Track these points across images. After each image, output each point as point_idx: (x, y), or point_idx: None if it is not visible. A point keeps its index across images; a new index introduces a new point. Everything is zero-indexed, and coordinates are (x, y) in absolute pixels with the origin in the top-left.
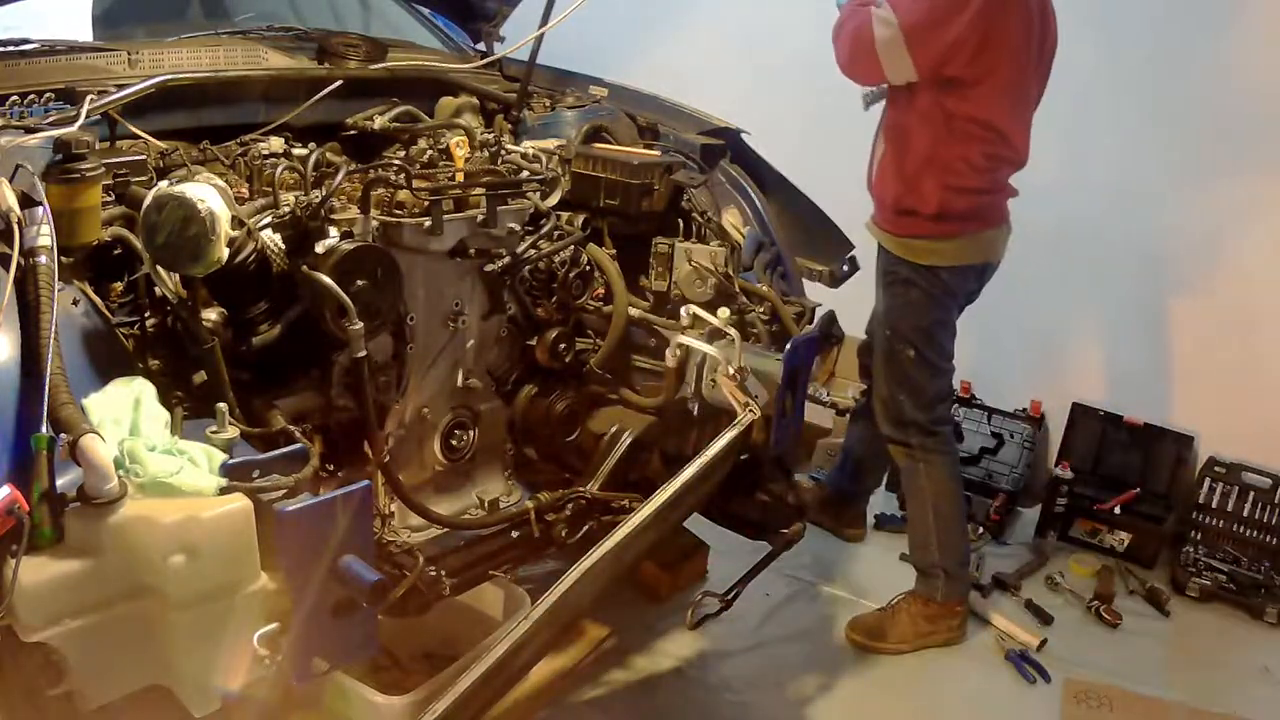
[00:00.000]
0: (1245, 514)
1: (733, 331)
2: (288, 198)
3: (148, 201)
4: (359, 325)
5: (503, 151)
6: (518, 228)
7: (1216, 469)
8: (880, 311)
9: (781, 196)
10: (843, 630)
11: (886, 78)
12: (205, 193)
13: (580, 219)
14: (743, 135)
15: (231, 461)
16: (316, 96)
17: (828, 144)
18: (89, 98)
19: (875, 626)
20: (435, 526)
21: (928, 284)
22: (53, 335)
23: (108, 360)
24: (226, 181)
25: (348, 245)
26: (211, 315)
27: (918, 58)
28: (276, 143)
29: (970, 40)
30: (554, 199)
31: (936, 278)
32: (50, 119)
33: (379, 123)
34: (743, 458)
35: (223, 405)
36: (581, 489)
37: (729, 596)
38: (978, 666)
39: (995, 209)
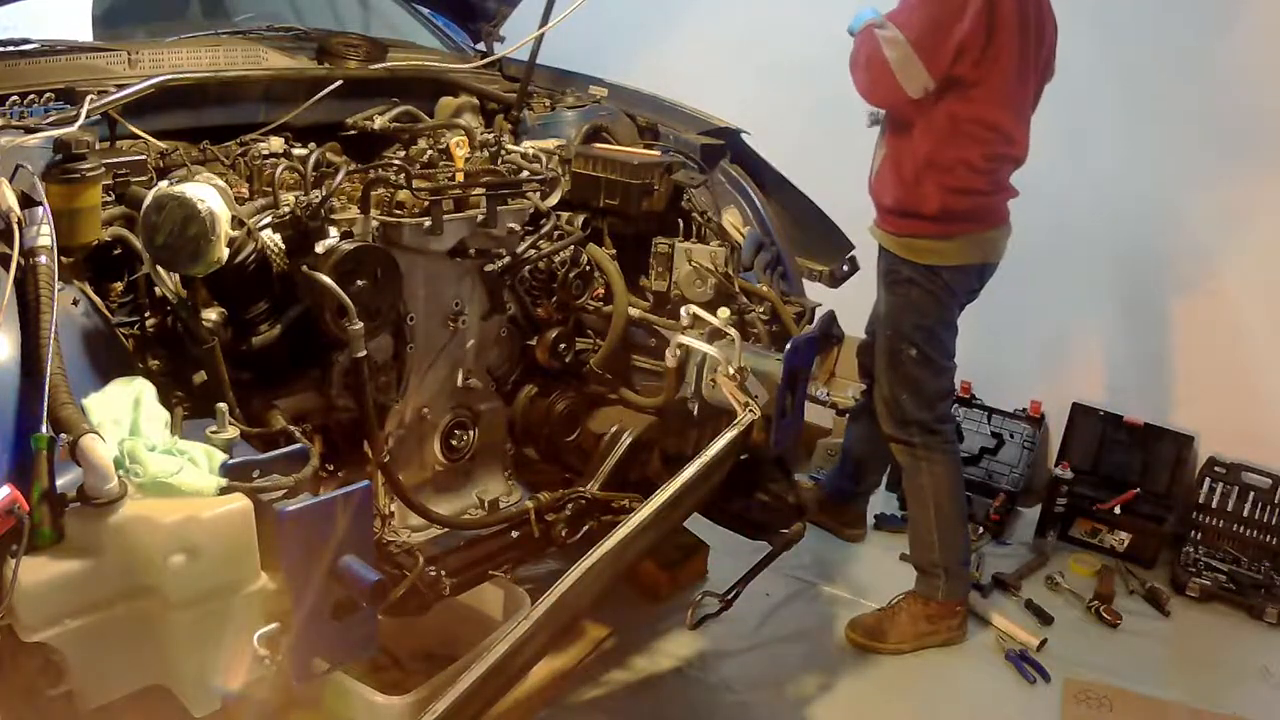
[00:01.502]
0: (1245, 514)
1: (733, 331)
2: (288, 198)
3: (148, 201)
4: (359, 325)
5: (503, 151)
6: (518, 228)
7: (1216, 469)
8: (882, 311)
9: (781, 196)
10: (843, 630)
11: (908, 94)
12: (205, 193)
13: (580, 219)
14: (743, 135)
15: (231, 461)
16: (316, 96)
17: (828, 144)
18: (89, 98)
19: (875, 626)
20: (435, 526)
21: (929, 283)
22: (53, 335)
23: (108, 360)
24: (226, 181)
25: (348, 245)
26: (211, 315)
27: (931, 66)
28: (276, 143)
29: (976, 38)
30: (554, 199)
31: (938, 277)
32: (50, 119)
33: (379, 123)
34: (743, 458)
35: (223, 405)
36: (581, 489)
37: (729, 596)
38: (978, 666)
39: (996, 209)
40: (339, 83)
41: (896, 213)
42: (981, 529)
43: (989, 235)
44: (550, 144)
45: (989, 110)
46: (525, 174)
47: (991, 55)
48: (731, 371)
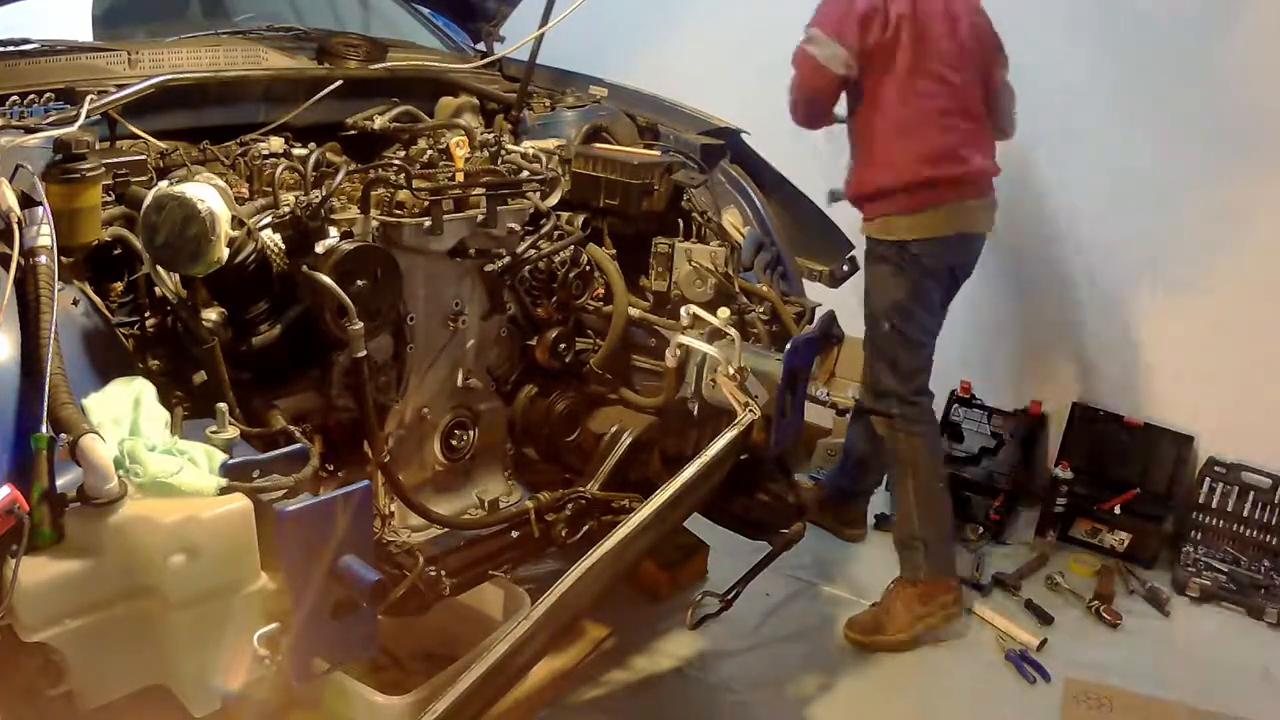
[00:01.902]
0: (1245, 514)
1: (733, 331)
2: (288, 198)
3: (148, 201)
4: (359, 325)
5: (503, 151)
6: (518, 228)
7: (1216, 469)
8: (866, 299)
9: (781, 196)
10: (842, 630)
11: (836, 72)
12: (205, 193)
13: (580, 219)
14: (743, 135)
15: (231, 461)
16: (316, 96)
17: (827, 144)
18: (89, 98)
19: (871, 622)
20: (435, 526)
21: (899, 259)
22: (53, 335)
23: (108, 360)
24: (226, 181)
25: (348, 245)
26: (211, 315)
27: (846, 40)
28: (276, 143)
29: (877, 5)
30: (554, 199)
31: (907, 252)
32: (50, 119)
33: (379, 123)
34: (743, 458)
35: (223, 405)
36: (581, 489)
37: (729, 596)
38: (978, 666)
39: (972, 180)
40: (339, 83)
41: (873, 197)
42: (981, 529)
43: (965, 206)
44: (550, 144)
45: (922, 63)
46: (525, 174)
47: (895, 16)
48: (731, 371)
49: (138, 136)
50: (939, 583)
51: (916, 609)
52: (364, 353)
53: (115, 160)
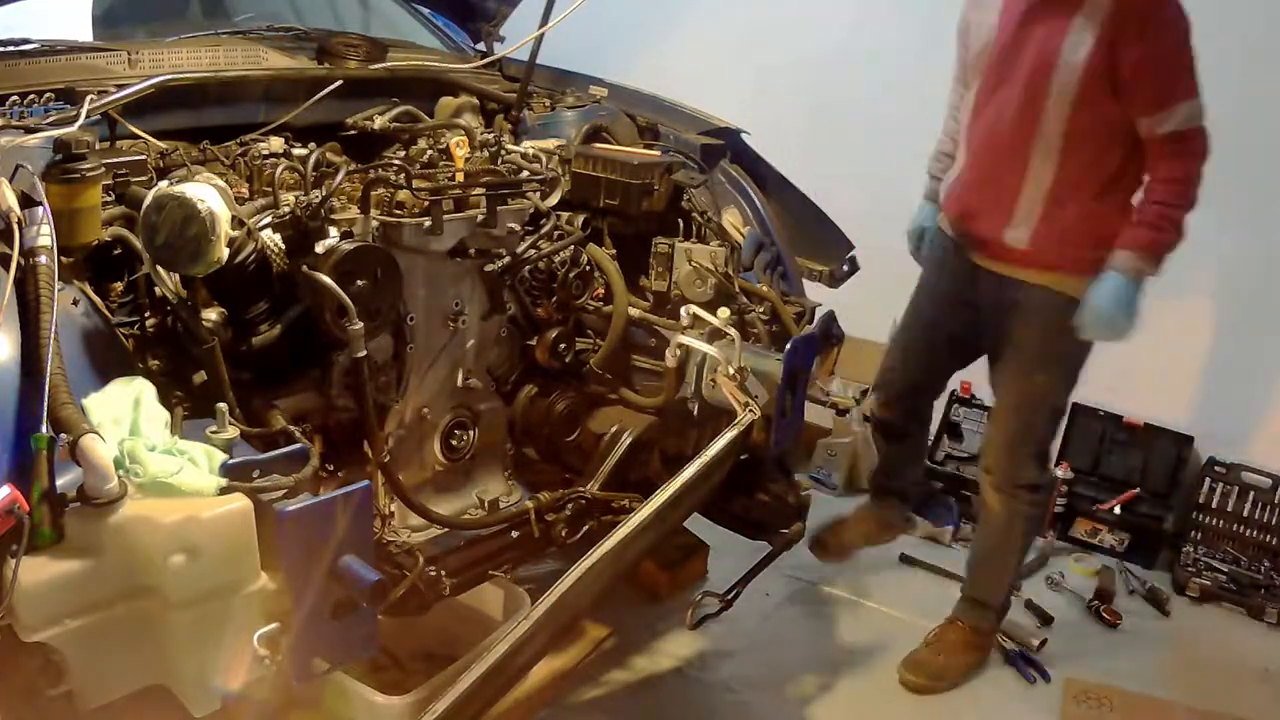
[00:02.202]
0: (1245, 514)
1: (733, 331)
2: (288, 198)
3: (148, 201)
4: (359, 325)
5: (503, 151)
6: (518, 228)
7: (1216, 469)
8: (1035, 359)
9: (781, 196)
10: (843, 633)
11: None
12: (205, 193)
13: (580, 219)
14: (743, 135)
15: (231, 461)
16: (316, 96)
17: (828, 144)
18: (89, 98)
19: (936, 669)
20: (435, 526)
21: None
22: (53, 335)
23: (108, 360)
24: (226, 181)
25: (348, 245)
26: (211, 315)
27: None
28: (276, 143)
29: None
30: (554, 199)
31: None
32: (50, 119)
33: (379, 123)
34: (743, 458)
35: (223, 405)
36: (581, 489)
37: (729, 596)
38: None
39: None
40: (339, 83)
41: (1098, 245)
42: None
43: None
44: (550, 144)
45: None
46: (525, 174)
47: None
48: (731, 371)
49: (138, 136)
50: (996, 634)
51: (974, 656)
52: (364, 353)
53: (115, 160)
